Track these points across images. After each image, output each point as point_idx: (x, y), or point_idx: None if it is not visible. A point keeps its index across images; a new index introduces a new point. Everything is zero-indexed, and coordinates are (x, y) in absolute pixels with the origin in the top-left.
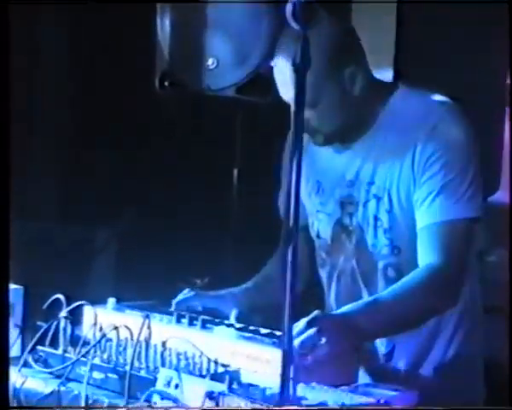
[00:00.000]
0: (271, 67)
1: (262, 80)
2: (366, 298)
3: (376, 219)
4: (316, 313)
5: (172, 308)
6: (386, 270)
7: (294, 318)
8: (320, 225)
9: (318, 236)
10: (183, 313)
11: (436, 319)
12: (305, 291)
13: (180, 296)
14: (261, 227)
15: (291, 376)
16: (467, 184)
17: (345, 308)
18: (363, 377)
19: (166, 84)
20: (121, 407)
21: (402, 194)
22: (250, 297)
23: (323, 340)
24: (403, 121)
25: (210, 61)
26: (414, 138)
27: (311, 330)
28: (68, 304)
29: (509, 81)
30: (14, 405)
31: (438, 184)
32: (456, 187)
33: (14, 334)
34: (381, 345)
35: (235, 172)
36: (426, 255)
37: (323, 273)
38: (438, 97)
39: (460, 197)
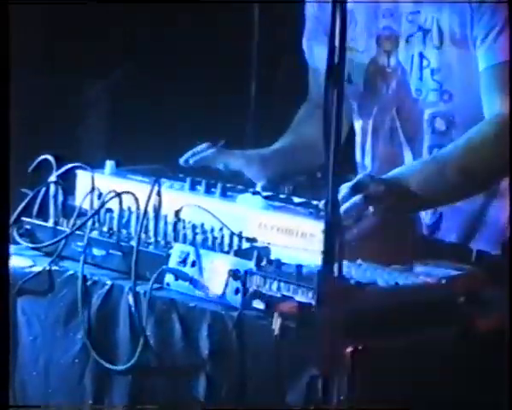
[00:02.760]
0: None
1: None
2: (423, 157)
3: (422, 56)
4: (361, 175)
5: (188, 161)
6: (434, 121)
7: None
8: (350, 66)
9: (349, 80)
10: (198, 178)
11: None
12: None
13: (201, 154)
14: (284, 76)
15: (334, 251)
16: None
17: (397, 170)
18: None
19: None
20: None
21: (455, 25)
22: (281, 161)
23: (371, 209)
24: None
25: None
26: None
27: (357, 197)
28: (59, 167)
29: None
30: None
31: (502, 18)
32: None
33: None
34: (424, 214)
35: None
36: (491, 101)
37: (357, 128)
38: None
39: None
